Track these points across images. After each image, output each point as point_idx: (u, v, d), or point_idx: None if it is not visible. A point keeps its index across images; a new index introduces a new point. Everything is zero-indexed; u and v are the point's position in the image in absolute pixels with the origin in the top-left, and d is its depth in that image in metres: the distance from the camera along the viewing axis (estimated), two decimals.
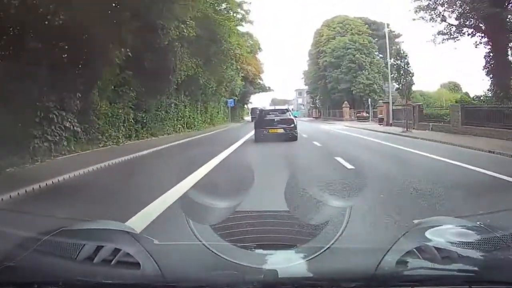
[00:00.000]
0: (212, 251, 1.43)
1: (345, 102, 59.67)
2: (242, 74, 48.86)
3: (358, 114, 56.53)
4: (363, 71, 61.15)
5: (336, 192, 6.27)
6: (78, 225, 2.12)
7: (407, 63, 29.71)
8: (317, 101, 77.84)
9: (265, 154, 13.05)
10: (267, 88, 64.70)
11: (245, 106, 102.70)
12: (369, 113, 54.38)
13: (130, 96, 21.11)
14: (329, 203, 3.94)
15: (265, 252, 1.65)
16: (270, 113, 18.24)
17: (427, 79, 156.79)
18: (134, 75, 20.40)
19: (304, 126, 38.46)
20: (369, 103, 46.72)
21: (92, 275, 1.38)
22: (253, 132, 19.43)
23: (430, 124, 28.98)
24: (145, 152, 14.83)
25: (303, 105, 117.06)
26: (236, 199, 3.04)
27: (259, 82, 63.42)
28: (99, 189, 7.48)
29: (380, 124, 41.01)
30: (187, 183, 7.09)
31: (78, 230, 1.91)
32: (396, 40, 71.37)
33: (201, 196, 3.64)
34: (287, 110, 19.13)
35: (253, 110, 72.88)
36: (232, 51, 30.06)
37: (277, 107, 20.90)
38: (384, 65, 65.45)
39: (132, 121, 21.25)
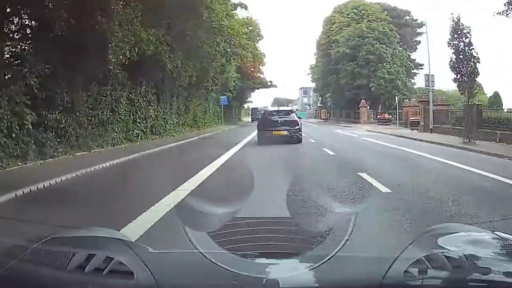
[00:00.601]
0: (210, 260, 1.41)
1: (363, 100, 50.68)
2: (236, 63, 39.83)
3: (379, 116, 47.59)
4: (384, 64, 52.15)
5: (340, 198, 6.06)
6: (69, 232, 2.06)
7: (470, 44, 20.83)
8: (327, 100, 68.72)
9: (265, 167, 10.58)
10: (269, 83, 55.59)
11: (244, 106, 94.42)
12: (392, 114, 45.53)
13: (28, 84, 12.33)
14: (333, 209, 4.19)
15: (265, 261, 1.65)
16: (274, 114, 17.73)
17: (443, 76, 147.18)
18: (37, 47, 11.94)
19: (312, 130, 33.69)
20: (397, 101, 37.76)
21: (83, 285, 1.38)
22: (244, 143, 18.57)
23: (498, 132, 20.24)
24: None
25: (309, 105, 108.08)
26: (235, 205, 3.19)
27: (259, 76, 54.31)
28: None
29: (412, 129, 32.15)
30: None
31: (68, 237, 1.87)
32: (418, 30, 62.71)
33: (199, 202, 3.97)
34: (292, 111, 18.61)
35: (254, 110, 68.43)
36: (216, 23, 21.01)
37: (281, 108, 20.64)
38: (407, 57, 56.59)
39: (31, 127, 12.42)
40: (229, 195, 6.31)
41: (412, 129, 32.59)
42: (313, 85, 76.96)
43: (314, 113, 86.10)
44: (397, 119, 38.25)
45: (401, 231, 4.75)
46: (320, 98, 79.33)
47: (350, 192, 7.00)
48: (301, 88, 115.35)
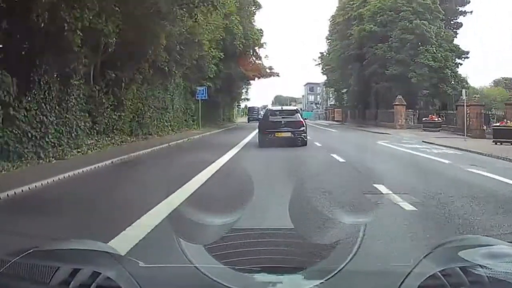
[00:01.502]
0: (206, 275, 1.39)
1: (399, 97, 37.24)
2: (217, 35, 26.38)
3: (425, 119, 34.24)
4: (428, 46, 38.75)
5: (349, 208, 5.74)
6: (51, 244, 1.96)
7: None
8: (343, 97, 55.18)
9: (266, 173, 9.95)
10: (268, 71, 41.37)
11: (239, 104, 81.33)
12: (442, 116, 32.38)
13: None
14: (341, 219, 3.93)
15: (267, 276, 1.61)
16: (276, 114, 16.56)
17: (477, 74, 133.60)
18: None
19: (333, 139, 24.28)
20: (464, 96, 24.30)
21: None
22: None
23: None
24: None
25: (317, 103, 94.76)
26: (233, 215, 3.23)
27: (254, 62, 40.60)
28: None
29: (496, 143, 19.48)
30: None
31: (51, 250, 1.81)
32: (461, 9, 49.39)
33: (193, 212, 3.64)
34: (296, 110, 17.60)
35: (251, 109, 63.83)
36: None
37: (285, 108, 19.26)
38: (451, 40, 43.07)
39: None
40: (227, 204, 5.87)
41: (497, 142, 19.87)
42: (322, 78, 63.75)
43: (323, 114, 72.58)
44: (465, 123, 24.85)
45: (415, 243, 4.47)
46: (333, 95, 65.75)
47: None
48: (307, 84, 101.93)
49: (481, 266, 1.42)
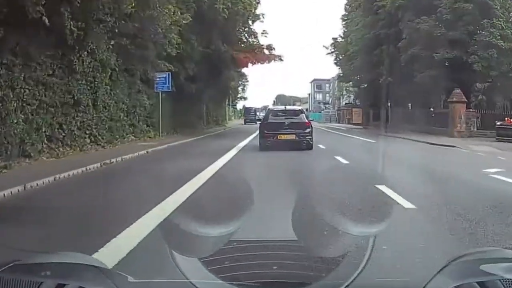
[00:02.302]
0: None
1: (457, 90, 26.32)
2: None
3: (500, 123, 23.48)
4: (493, 20, 27.87)
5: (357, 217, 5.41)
6: (33, 258, 1.92)
7: None
8: (364, 93, 44.18)
9: (267, 179, 9.53)
10: (267, 51, 29.15)
11: (235, 104, 71.31)
12: None
13: None
14: (348, 230, 3.69)
15: None
16: (279, 114, 15.77)
17: None
18: None
19: (369, 158, 14.81)
20: None
21: None
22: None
23: None
24: None
25: (326, 103, 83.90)
26: (231, 225, 2.97)
27: (245, 39, 29.22)
28: None
29: None
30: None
31: (33, 264, 1.76)
32: None
33: (188, 221, 3.58)
34: (301, 111, 16.56)
35: (248, 110, 61.56)
36: None
37: (288, 107, 17.83)
38: None
39: None
40: (224, 213, 5.52)
41: None
42: (332, 73, 52.86)
43: (336, 115, 61.51)
44: None
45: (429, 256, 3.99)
46: (349, 92, 54.89)
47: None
48: (314, 80, 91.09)
49: (501, 281, 1.37)
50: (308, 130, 15.02)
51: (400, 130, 30.51)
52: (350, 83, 51.39)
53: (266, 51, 28.20)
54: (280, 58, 28.76)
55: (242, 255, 1.97)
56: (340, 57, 47.91)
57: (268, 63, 28.77)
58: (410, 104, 38.07)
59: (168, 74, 22.38)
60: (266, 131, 15.05)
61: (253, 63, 29.12)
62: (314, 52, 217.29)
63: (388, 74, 32.01)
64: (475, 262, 1.57)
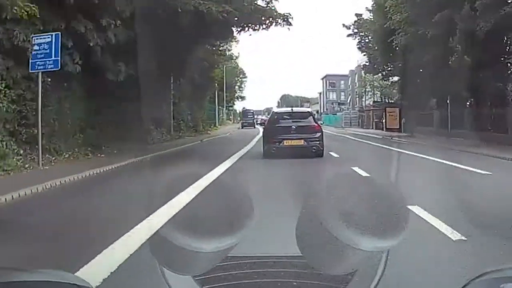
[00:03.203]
0: None
1: None
2: None
3: None
4: None
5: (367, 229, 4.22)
6: (11, 276, 1.85)
7: None
8: (401, 82, 32.31)
9: (268, 188, 9.24)
10: (264, 3, 17.58)
11: (231, 106, 67.47)
12: None
13: None
14: (358, 245, 3.06)
15: None
16: (286, 117, 14.91)
17: None
18: None
19: None
20: None
21: None
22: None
23: None
24: None
25: (343, 104, 72.32)
26: (229, 239, 2.71)
27: None
28: None
29: None
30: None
31: (11, 283, 1.71)
32: None
33: (181, 235, 2.93)
34: (309, 113, 15.74)
35: (246, 112, 59.52)
36: None
37: (296, 109, 16.45)
38: None
39: None
40: (221, 226, 3.95)
41: None
42: (350, 66, 41.08)
43: (357, 118, 49.75)
44: None
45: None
46: (377, 89, 43.18)
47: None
48: (326, 76, 79.52)
49: None
50: (318, 134, 14.16)
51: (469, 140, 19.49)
52: (379, 75, 39.78)
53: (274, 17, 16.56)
54: (286, 19, 17.00)
55: (241, 273, 2.02)
56: (368, 38, 36.48)
57: (267, 28, 17.16)
58: (471, 100, 26.51)
59: (55, 37, 11.16)
60: (270, 137, 14.33)
61: (245, 29, 17.57)
62: (326, 43, 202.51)
63: (463, 51, 20.28)
64: (496, 281, 1.55)
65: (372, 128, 42.02)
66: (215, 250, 2.43)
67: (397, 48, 27.73)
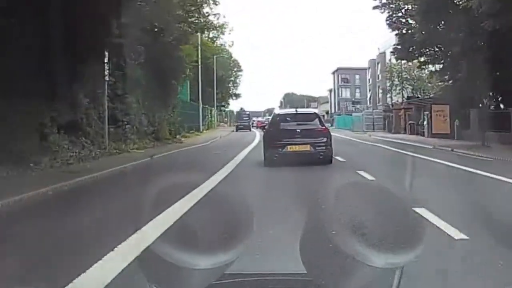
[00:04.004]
0: None
1: None
2: None
3: None
4: None
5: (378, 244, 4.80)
6: None
7: None
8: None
9: (269, 198, 8.63)
10: None
11: (223, 107, 61.77)
12: None
13: None
14: (368, 261, 3.41)
15: None
16: (289, 119, 14.31)
17: None
18: None
19: None
20: None
21: None
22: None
23: None
24: None
25: (358, 103, 62.84)
26: (226, 255, 2.84)
27: None
28: None
29: None
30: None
31: None
32: None
33: (173, 251, 3.31)
34: (316, 114, 15.01)
35: (241, 114, 56.57)
36: None
37: (300, 111, 15.41)
38: None
39: None
40: (218, 240, 5.02)
41: None
42: (370, 55, 31.86)
43: (382, 119, 40.06)
44: None
45: None
46: (408, 82, 33.53)
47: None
48: (338, 70, 69.85)
49: None
50: (325, 138, 13.47)
51: None
52: (415, 62, 30.66)
53: None
54: None
55: None
56: (402, 11, 27.40)
57: None
58: None
59: None
60: (272, 141, 13.59)
61: None
62: (336, 31, 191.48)
63: None
64: None
65: (405, 133, 32.60)
66: (210, 267, 2.46)
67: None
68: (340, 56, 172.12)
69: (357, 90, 67.63)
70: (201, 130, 37.67)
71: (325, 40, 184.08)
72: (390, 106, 39.85)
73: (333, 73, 71.63)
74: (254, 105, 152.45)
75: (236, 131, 47.42)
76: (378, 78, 49.39)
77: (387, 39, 38.06)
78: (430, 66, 30.94)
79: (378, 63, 48.96)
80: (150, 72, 19.64)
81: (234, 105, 74.48)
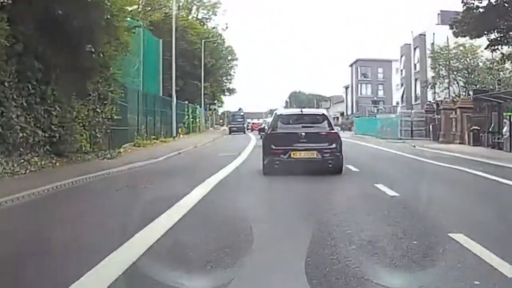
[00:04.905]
0: None
1: None
2: None
3: None
4: None
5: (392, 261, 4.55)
6: None
7: None
8: None
9: (270, 211, 8.07)
10: None
11: (213, 106, 56.00)
12: None
13: None
14: (382, 281, 3.31)
15: None
16: (292, 121, 13.44)
17: None
18: None
19: None
20: None
21: None
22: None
23: None
24: None
25: (378, 102, 53.67)
26: (223, 275, 2.81)
27: None
28: None
29: None
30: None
31: None
32: None
33: (162, 269, 3.24)
34: (324, 116, 13.94)
35: (234, 115, 54.75)
36: None
37: (306, 111, 14.53)
38: None
39: None
40: (214, 258, 4.75)
41: None
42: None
43: (424, 123, 30.55)
44: None
45: None
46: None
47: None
48: (356, 62, 60.42)
49: None
50: (335, 144, 12.52)
51: None
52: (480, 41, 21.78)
53: None
54: None
55: None
56: None
57: None
58: None
59: None
60: (273, 147, 12.63)
61: None
62: (347, 21, 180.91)
63: None
64: None
65: (462, 143, 23.35)
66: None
67: None
68: (356, 49, 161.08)
69: (380, 87, 58.27)
70: (175, 135, 28.44)
71: (335, 33, 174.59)
72: (435, 105, 30.47)
73: (351, 65, 62.13)
74: (255, 106, 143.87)
75: (230, 133, 45.26)
76: (415, 69, 39.87)
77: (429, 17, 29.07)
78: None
79: (415, 49, 39.46)
80: (34, 30, 10.63)
81: (232, 105, 67.25)
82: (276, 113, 14.55)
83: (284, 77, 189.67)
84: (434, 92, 33.52)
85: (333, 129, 12.89)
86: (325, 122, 13.00)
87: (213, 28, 45.94)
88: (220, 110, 77.31)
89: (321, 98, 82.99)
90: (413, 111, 32.35)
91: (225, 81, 52.65)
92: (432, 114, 30.92)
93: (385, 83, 57.87)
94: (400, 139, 29.07)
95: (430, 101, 33.00)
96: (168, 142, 24.43)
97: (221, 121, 68.96)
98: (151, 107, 26.58)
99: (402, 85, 45.35)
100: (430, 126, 28.77)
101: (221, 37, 45.43)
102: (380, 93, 58.68)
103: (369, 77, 60.59)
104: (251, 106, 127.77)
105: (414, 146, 23.48)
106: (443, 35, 31.66)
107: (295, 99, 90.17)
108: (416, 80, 39.89)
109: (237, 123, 48.87)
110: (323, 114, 13.93)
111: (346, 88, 64.95)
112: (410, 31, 39.78)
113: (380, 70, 58.94)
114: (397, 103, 57.50)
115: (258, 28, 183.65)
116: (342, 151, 12.32)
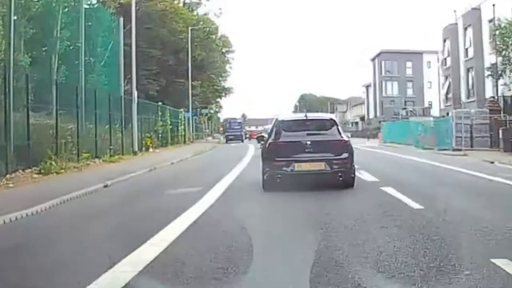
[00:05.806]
0: None
1: None
2: None
3: None
4: None
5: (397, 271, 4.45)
6: None
7: None
8: None
9: (272, 226, 7.60)
10: None
11: (204, 111, 50.82)
12: None
13: None
14: None
15: None
16: (296, 128, 12.69)
17: None
18: None
19: None
20: None
21: None
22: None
23: None
24: None
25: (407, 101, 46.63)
26: None
27: None
28: None
29: None
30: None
31: None
32: None
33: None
34: (332, 121, 13.12)
35: (231, 122, 53.49)
36: None
37: (311, 116, 14.03)
38: None
39: None
40: (212, 274, 4.73)
41: None
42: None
43: (486, 127, 23.12)
44: None
45: None
46: None
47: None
48: (379, 55, 52.99)
49: None
50: (346, 153, 11.86)
51: None
52: None
53: None
54: None
55: None
56: None
57: None
58: None
59: None
60: (274, 158, 12.00)
61: None
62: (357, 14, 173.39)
63: None
64: None
65: None
66: None
67: None
68: (377, 42, 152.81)
69: (408, 85, 50.74)
70: (136, 149, 21.11)
71: (351, 25, 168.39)
72: (502, 102, 22.88)
73: (373, 59, 54.61)
74: (261, 111, 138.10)
75: (226, 142, 44.60)
76: (466, 56, 32.04)
77: None
78: None
79: (466, 29, 31.59)
80: None
81: (233, 111, 61.92)
82: (277, 119, 13.31)
83: (293, 79, 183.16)
84: (502, 84, 25.68)
85: (342, 136, 11.93)
86: (334, 128, 12.13)
87: (205, 14, 38.93)
88: (221, 117, 70.99)
89: (335, 101, 76.14)
90: (472, 110, 24.77)
91: (219, 79, 45.60)
92: (495, 114, 23.45)
93: (415, 80, 50.48)
94: (458, 149, 21.63)
95: (493, 97, 25.40)
96: (117, 161, 17.06)
97: (221, 129, 62.27)
98: (103, 110, 19.46)
99: (446, 78, 37.51)
100: (500, 132, 21.18)
101: (213, 24, 38.35)
102: (409, 91, 51.23)
103: (395, 73, 53.36)
104: (256, 111, 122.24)
105: (493, 163, 15.97)
106: (506, 6, 24.29)
107: (306, 102, 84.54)
108: (468, 70, 32.03)
109: (234, 131, 48.11)
110: (331, 119, 13.01)
111: (367, 87, 57.47)
112: (453, 10, 32.30)
113: (408, 64, 51.74)
114: (430, 103, 50.13)
115: (263, 25, 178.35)
116: (353, 160, 11.33)
